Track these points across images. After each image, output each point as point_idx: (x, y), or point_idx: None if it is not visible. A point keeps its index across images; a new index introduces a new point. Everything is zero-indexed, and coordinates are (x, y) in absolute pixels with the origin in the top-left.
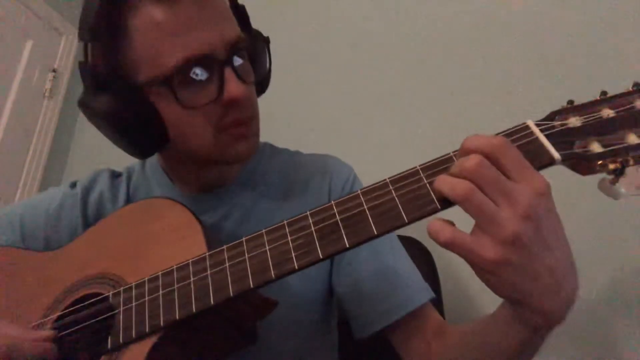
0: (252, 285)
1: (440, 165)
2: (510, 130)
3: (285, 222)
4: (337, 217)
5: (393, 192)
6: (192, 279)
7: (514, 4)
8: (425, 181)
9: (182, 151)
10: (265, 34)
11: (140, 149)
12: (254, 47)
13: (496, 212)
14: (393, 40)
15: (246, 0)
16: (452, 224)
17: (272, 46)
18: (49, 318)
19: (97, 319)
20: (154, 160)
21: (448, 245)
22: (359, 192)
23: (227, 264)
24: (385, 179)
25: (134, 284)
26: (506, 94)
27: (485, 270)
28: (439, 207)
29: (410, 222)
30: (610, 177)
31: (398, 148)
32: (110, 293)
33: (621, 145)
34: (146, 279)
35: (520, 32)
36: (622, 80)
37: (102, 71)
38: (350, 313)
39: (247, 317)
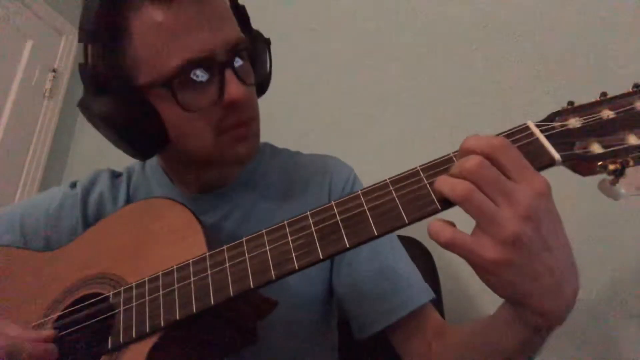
0: (252, 286)
1: (441, 166)
2: (510, 131)
3: (285, 222)
4: (338, 218)
5: (393, 192)
6: (192, 279)
7: (515, 4)
8: (426, 182)
9: (182, 152)
10: (265, 34)
11: (140, 151)
12: (254, 48)
13: (496, 212)
14: (393, 40)
15: (246, 0)
16: (452, 224)
17: (272, 46)
18: (49, 318)
19: (98, 319)
20: (154, 160)
21: (448, 246)
22: (360, 192)
23: (227, 264)
24: (385, 180)
25: (134, 284)
26: (506, 95)
27: (485, 271)
28: (440, 207)
29: (411, 222)
30: (611, 177)
31: (398, 148)
32: (111, 293)
33: (621, 146)
34: (146, 279)
35: (520, 33)
36: (622, 81)
37: (102, 73)
38: (351, 313)
39: (247, 317)
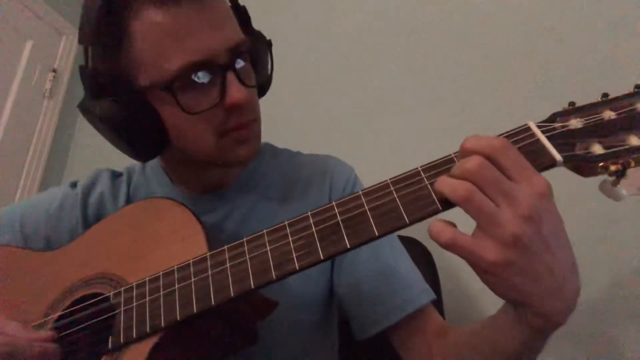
0: (253, 286)
1: (442, 166)
2: (511, 132)
3: (286, 222)
4: (338, 218)
5: (394, 192)
6: (192, 279)
7: (515, 4)
8: (427, 182)
9: (183, 153)
10: (265, 34)
11: (141, 153)
12: (255, 49)
13: (497, 212)
14: (394, 41)
15: (247, 1)
16: (453, 225)
17: (272, 47)
18: (49, 318)
19: (98, 319)
20: (154, 160)
21: (449, 247)
22: (360, 192)
23: (228, 265)
24: (386, 180)
25: (134, 284)
26: (507, 95)
27: (485, 271)
28: (440, 208)
29: (412, 223)
30: (612, 179)
31: (398, 148)
32: (111, 293)
33: (622, 147)
34: (147, 279)
35: (522, 33)
36: (624, 82)
37: (103, 75)
38: (351, 314)
39: (247, 318)
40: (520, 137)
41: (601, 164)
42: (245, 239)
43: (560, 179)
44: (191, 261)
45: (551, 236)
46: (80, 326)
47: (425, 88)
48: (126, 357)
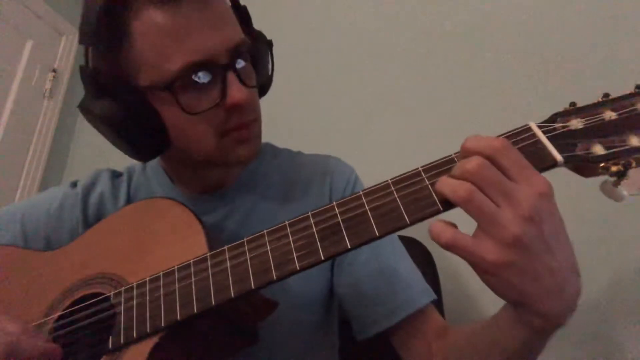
0: (253, 286)
1: (442, 167)
2: (512, 132)
3: (286, 222)
4: (339, 218)
5: (395, 193)
6: (193, 279)
7: (515, 4)
8: (427, 182)
9: (183, 153)
10: (266, 34)
11: (141, 153)
12: (256, 49)
13: (497, 213)
14: (394, 41)
15: (247, 1)
16: (453, 225)
17: (273, 47)
18: (49, 318)
19: (98, 318)
20: (155, 160)
21: (449, 247)
22: (361, 193)
23: (228, 265)
24: (387, 180)
25: (135, 284)
26: (508, 96)
27: (486, 272)
28: (441, 208)
29: (412, 223)
30: (613, 179)
31: (399, 148)
32: (112, 293)
33: (623, 148)
34: (147, 279)
35: (522, 33)
36: (625, 82)
37: (103, 75)
38: (351, 314)
39: (247, 318)
40: (520, 138)
41: (602, 165)
42: (245, 239)
43: (561, 179)
44: (191, 261)
45: (552, 237)
46: (80, 326)
47: (425, 88)
48: (126, 357)
